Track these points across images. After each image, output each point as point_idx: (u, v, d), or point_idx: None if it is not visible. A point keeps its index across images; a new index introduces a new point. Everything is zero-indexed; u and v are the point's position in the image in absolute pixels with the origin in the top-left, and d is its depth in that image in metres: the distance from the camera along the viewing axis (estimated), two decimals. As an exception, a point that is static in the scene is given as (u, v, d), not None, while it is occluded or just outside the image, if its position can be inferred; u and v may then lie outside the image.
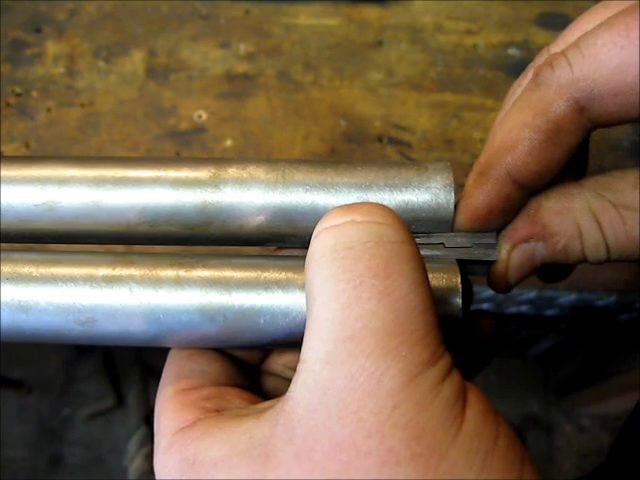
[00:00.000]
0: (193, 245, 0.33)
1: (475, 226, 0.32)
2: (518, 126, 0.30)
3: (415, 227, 0.32)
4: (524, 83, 0.33)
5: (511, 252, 0.32)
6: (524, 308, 0.56)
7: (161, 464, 0.27)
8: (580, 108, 0.29)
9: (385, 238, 0.24)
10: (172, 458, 0.26)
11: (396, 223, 0.25)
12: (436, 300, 0.29)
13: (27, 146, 0.56)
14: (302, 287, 0.29)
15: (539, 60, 0.33)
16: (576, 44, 0.29)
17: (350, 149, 0.56)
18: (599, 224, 0.30)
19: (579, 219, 0.31)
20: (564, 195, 0.31)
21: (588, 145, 0.34)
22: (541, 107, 0.29)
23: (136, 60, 0.60)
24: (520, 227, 0.32)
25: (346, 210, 0.25)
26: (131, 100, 0.58)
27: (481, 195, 0.31)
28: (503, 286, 0.33)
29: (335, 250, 0.24)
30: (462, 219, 0.32)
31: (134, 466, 1.01)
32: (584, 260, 0.32)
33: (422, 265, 0.25)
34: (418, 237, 0.32)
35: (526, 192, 0.31)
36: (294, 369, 0.25)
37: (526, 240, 0.32)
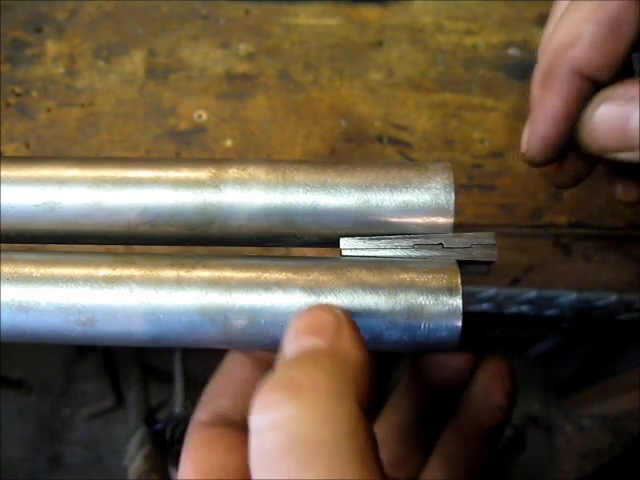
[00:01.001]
0: (193, 245, 0.33)
1: (555, 137, 0.31)
2: (577, 21, 0.30)
3: (415, 227, 0.32)
4: None
5: (603, 106, 0.30)
6: (524, 308, 0.56)
7: None
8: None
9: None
10: None
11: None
12: (435, 301, 0.29)
13: (27, 146, 0.57)
14: (302, 287, 0.29)
15: None
16: None
17: (350, 149, 0.56)
18: None
19: None
20: None
21: None
22: (599, 2, 0.29)
23: (136, 60, 0.60)
24: (626, 87, 0.30)
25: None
26: (131, 100, 0.58)
27: (555, 96, 0.30)
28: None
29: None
30: (539, 130, 0.30)
31: (134, 466, 1.01)
32: None
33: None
34: (417, 237, 0.32)
35: (597, 86, 0.31)
36: None
37: (628, 100, 0.29)
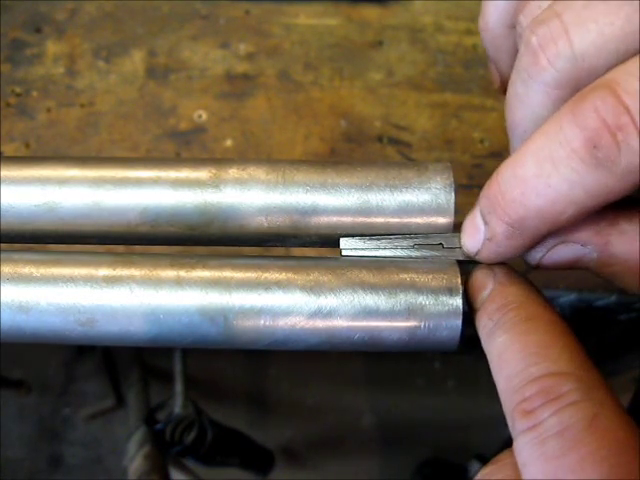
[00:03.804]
0: (193, 245, 0.33)
1: (507, 258, 0.31)
2: (564, 201, 0.26)
3: (415, 227, 0.32)
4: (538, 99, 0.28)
5: (557, 246, 0.29)
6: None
7: None
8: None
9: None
10: None
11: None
12: (435, 301, 0.29)
13: (27, 146, 0.57)
14: (302, 287, 0.29)
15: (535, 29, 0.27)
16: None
17: (350, 149, 0.56)
18: None
19: None
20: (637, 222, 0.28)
21: None
22: (599, 190, 0.25)
23: (136, 60, 0.60)
24: (584, 230, 0.29)
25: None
26: (131, 100, 0.58)
27: (518, 244, 0.29)
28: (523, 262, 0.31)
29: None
30: (491, 255, 0.30)
31: (134, 466, 1.01)
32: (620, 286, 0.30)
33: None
34: (417, 237, 0.32)
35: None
36: None
37: (583, 244, 0.29)
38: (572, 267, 0.30)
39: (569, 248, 0.29)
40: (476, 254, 0.31)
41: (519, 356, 0.26)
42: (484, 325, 0.29)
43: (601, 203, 0.26)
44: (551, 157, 0.25)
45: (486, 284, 0.30)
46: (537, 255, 0.30)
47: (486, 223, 0.30)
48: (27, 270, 0.30)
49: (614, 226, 0.28)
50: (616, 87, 0.23)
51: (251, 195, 0.31)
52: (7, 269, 0.30)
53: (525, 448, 0.24)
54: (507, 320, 0.28)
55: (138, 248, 0.34)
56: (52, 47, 0.60)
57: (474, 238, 0.31)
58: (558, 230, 0.29)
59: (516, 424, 0.25)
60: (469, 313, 0.31)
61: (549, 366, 0.25)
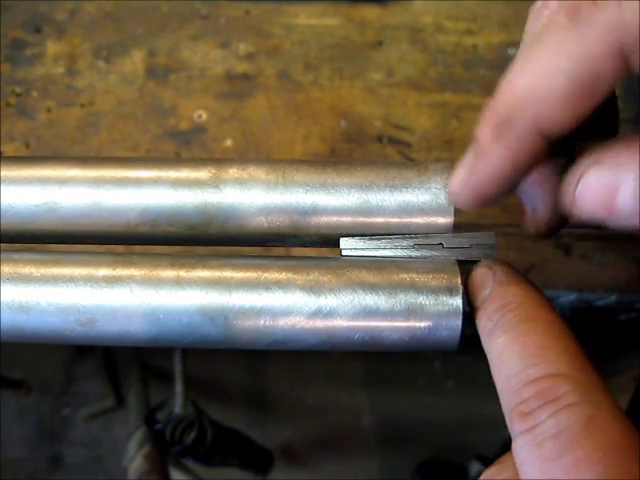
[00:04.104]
0: (193, 245, 0.33)
1: (493, 191, 0.28)
2: (550, 72, 0.25)
3: (415, 227, 0.32)
4: (544, 16, 0.27)
5: (590, 169, 0.25)
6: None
7: None
8: (624, 57, 0.25)
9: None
10: None
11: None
12: (435, 301, 0.29)
13: (27, 146, 0.56)
14: (302, 287, 0.29)
15: None
16: None
17: (350, 149, 0.56)
18: None
19: None
20: None
21: (616, 98, 0.30)
22: (580, 51, 0.25)
23: (136, 60, 0.60)
24: (619, 147, 0.25)
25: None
26: (131, 100, 0.58)
27: (505, 152, 0.27)
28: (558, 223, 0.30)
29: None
30: (476, 183, 0.28)
31: (134, 466, 1.01)
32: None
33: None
34: (417, 237, 0.32)
35: (549, 147, 0.27)
36: None
37: (618, 166, 0.25)
38: (609, 214, 0.26)
39: (604, 174, 0.25)
40: (461, 185, 0.29)
41: (518, 357, 0.26)
42: (484, 325, 0.29)
43: (587, 73, 0.25)
44: (533, 34, 0.26)
45: (485, 283, 0.30)
46: (570, 187, 0.26)
47: (475, 139, 0.28)
48: (27, 270, 0.30)
49: None
50: None
51: (251, 195, 0.31)
52: (7, 269, 0.30)
53: (523, 449, 0.25)
54: (506, 321, 0.28)
55: (138, 248, 0.34)
56: (52, 47, 0.60)
57: (461, 168, 0.29)
58: (553, 124, 0.26)
59: (514, 425, 0.25)
60: (469, 312, 0.31)
61: (547, 368, 0.25)
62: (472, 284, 0.31)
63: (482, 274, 0.30)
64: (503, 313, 0.28)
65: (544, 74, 0.26)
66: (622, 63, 0.25)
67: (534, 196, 0.31)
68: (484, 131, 0.27)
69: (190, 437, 1.01)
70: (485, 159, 0.28)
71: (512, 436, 0.26)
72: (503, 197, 0.29)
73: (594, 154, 0.26)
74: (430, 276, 0.30)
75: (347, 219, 0.31)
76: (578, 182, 0.26)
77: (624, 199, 0.25)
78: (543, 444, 0.24)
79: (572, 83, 0.25)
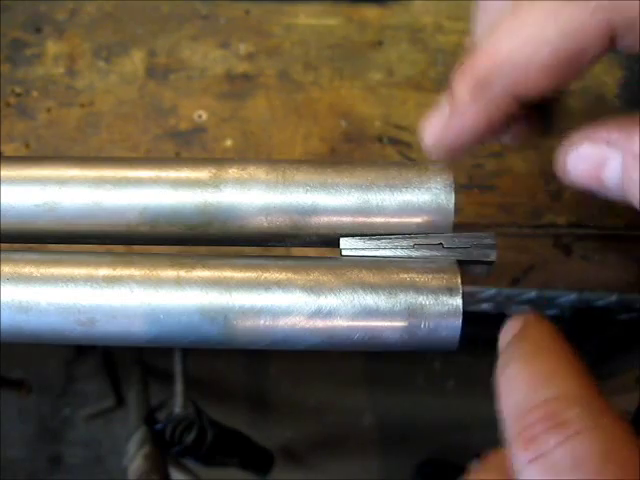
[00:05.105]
0: (193, 245, 0.33)
1: (465, 145, 0.28)
2: (537, 41, 0.25)
3: (415, 227, 0.32)
4: None
5: (583, 143, 0.27)
6: (524, 308, 0.56)
7: None
8: (612, 36, 0.25)
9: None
10: None
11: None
12: (435, 301, 0.29)
13: (27, 146, 0.57)
14: (302, 287, 0.29)
15: None
16: None
17: (350, 149, 0.56)
18: None
19: None
20: None
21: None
22: (571, 25, 0.25)
23: (136, 60, 0.60)
24: (609, 128, 0.26)
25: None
26: (131, 100, 0.58)
27: (480, 110, 0.27)
28: None
29: None
30: (449, 137, 0.28)
31: (134, 466, 1.01)
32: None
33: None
34: (417, 237, 0.32)
35: (521, 110, 0.28)
36: None
37: (608, 143, 0.26)
38: (596, 185, 0.27)
39: (594, 148, 0.27)
40: (436, 139, 0.29)
41: (525, 383, 0.26)
42: (499, 361, 0.28)
43: (573, 47, 0.25)
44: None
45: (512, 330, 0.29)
46: (562, 155, 0.28)
47: (451, 94, 0.28)
48: (27, 270, 0.30)
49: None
50: None
51: (251, 195, 0.31)
52: (7, 269, 0.30)
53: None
54: (515, 350, 0.28)
55: (138, 248, 0.34)
56: (52, 47, 0.60)
57: (435, 121, 0.29)
58: (529, 89, 0.26)
59: (520, 454, 0.23)
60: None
61: (553, 390, 0.24)
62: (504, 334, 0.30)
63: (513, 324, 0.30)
64: (514, 344, 0.28)
65: (530, 42, 0.25)
66: (608, 42, 0.25)
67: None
68: (461, 89, 0.28)
69: (190, 437, 1.01)
70: (461, 117, 0.28)
71: (516, 467, 0.23)
72: (473, 147, 0.30)
73: (587, 129, 0.27)
74: (430, 276, 0.30)
75: (347, 219, 0.31)
76: (570, 151, 0.27)
77: (610, 174, 0.26)
78: (558, 471, 0.22)
79: (556, 55, 0.25)
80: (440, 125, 0.29)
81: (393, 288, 0.29)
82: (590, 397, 0.24)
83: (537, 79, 0.26)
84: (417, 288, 0.29)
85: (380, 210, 0.31)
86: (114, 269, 0.30)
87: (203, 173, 0.31)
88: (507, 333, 0.29)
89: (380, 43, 0.60)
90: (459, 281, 0.30)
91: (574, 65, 0.26)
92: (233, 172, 0.32)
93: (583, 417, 0.23)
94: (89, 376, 1.47)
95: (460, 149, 0.30)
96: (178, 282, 0.30)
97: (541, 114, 0.32)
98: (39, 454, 1.44)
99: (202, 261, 0.30)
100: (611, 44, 0.25)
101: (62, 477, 1.43)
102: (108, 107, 0.58)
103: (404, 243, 0.32)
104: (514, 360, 0.27)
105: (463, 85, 0.28)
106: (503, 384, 0.27)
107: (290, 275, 0.30)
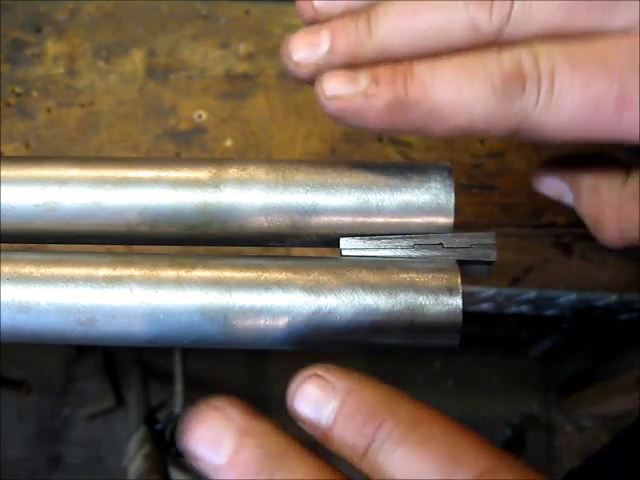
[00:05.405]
0: (193, 245, 0.33)
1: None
2: (462, 108, 0.29)
3: (415, 227, 0.32)
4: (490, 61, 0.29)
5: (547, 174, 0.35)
6: (524, 308, 0.56)
7: None
8: (516, 134, 0.30)
9: None
10: None
11: None
12: (435, 301, 0.29)
13: (27, 146, 0.56)
14: (302, 287, 0.29)
15: None
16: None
17: (350, 149, 0.56)
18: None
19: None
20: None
21: None
22: (493, 116, 0.29)
23: (136, 60, 0.60)
24: (563, 169, 0.34)
25: None
26: (131, 100, 0.58)
27: (387, 120, 0.30)
28: None
29: None
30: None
31: (134, 466, 1.01)
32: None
33: None
34: (417, 237, 0.32)
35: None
36: None
37: (561, 179, 0.35)
38: (561, 199, 0.35)
39: (554, 178, 0.35)
40: (340, 106, 0.30)
41: (432, 468, 0.23)
42: (352, 446, 0.25)
43: (487, 128, 0.29)
44: (472, 72, 0.28)
45: (324, 402, 0.25)
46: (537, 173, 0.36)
47: (376, 81, 0.29)
48: (27, 270, 0.30)
49: (583, 175, 0.34)
50: (537, 48, 0.29)
51: (251, 195, 0.31)
52: (7, 269, 0.30)
53: None
54: (391, 432, 0.24)
55: (138, 248, 0.34)
56: (52, 47, 0.60)
57: (347, 86, 0.30)
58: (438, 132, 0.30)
59: None
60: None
61: (473, 467, 0.22)
62: (301, 404, 0.26)
63: (317, 388, 0.26)
64: (376, 428, 0.24)
65: (457, 107, 0.29)
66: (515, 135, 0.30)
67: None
68: (387, 91, 0.29)
69: (190, 437, 1.00)
70: (365, 104, 0.29)
71: None
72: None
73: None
74: (430, 276, 0.30)
75: (347, 219, 0.31)
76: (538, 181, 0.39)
77: (569, 200, 0.38)
78: None
79: (470, 127, 0.29)
80: (352, 102, 0.30)
81: (393, 288, 0.29)
82: (507, 460, 0.23)
83: (441, 133, 0.30)
84: (417, 288, 0.29)
85: (380, 210, 0.31)
86: (114, 269, 0.30)
87: (203, 173, 0.31)
88: (320, 408, 0.25)
89: (380, 43, 0.60)
90: (459, 281, 0.30)
91: (484, 131, 0.30)
92: (233, 172, 0.32)
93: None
94: (89, 376, 1.47)
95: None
96: (178, 282, 0.30)
97: None
98: (39, 454, 1.44)
99: (202, 261, 0.30)
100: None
101: (62, 477, 1.43)
102: (108, 107, 0.58)
103: (404, 243, 0.32)
104: (396, 445, 0.23)
105: (390, 87, 0.29)
106: (399, 474, 0.23)
107: (290, 275, 0.30)
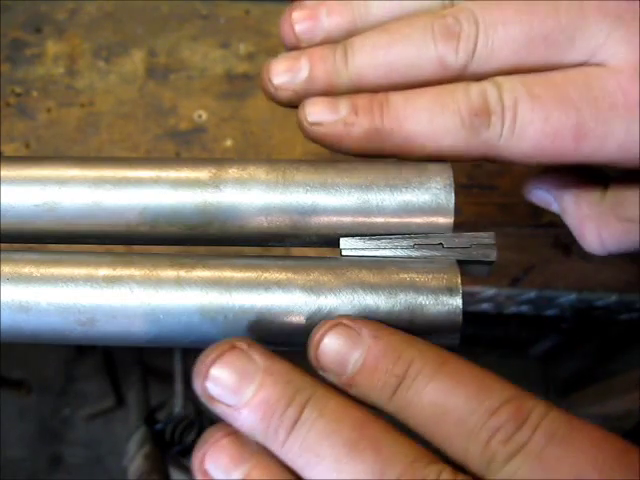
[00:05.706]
0: (193, 245, 0.33)
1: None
2: (432, 137, 0.31)
3: (415, 227, 0.32)
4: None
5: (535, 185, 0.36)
6: (524, 308, 0.56)
7: None
8: (484, 160, 0.32)
9: None
10: None
11: None
12: (435, 301, 0.29)
13: (27, 146, 0.57)
14: (302, 287, 0.29)
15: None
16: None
17: (350, 149, 0.56)
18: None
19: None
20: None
21: None
22: (462, 145, 0.31)
23: (136, 60, 0.60)
24: (550, 181, 0.36)
25: None
26: (131, 100, 0.58)
27: (366, 145, 0.32)
28: None
29: None
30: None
31: (134, 466, 1.01)
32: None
33: None
34: (417, 237, 0.32)
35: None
36: None
37: (547, 191, 0.36)
38: (549, 208, 0.37)
39: (541, 190, 0.37)
40: (323, 132, 0.32)
41: (462, 399, 0.25)
42: (381, 388, 0.26)
43: (457, 156, 0.32)
44: (443, 105, 0.31)
45: (352, 349, 0.27)
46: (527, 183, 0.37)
47: (355, 111, 0.31)
48: (27, 270, 0.30)
49: (565, 189, 0.35)
50: (501, 83, 0.30)
51: (251, 195, 0.31)
52: (7, 269, 0.30)
53: (520, 470, 0.23)
54: (419, 372, 0.25)
55: (138, 248, 0.34)
56: (52, 47, 0.60)
57: (330, 115, 0.32)
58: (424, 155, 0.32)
59: (497, 456, 0.23)
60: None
61: (500, 395, 0.24)
62: (327, 356, 0.27)
63: (340, 338, 0.27)
64: (407, 367, 0.26)
65: (429, 136, 0.31)
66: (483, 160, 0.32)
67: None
68: (366, 121, 0.31)
69: (190, 437, 1.01)
70: (349, 139, 0.32)
71: (491, 469, 0.24)
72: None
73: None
74: (430, 276, 0.30)
75: (347, 219, 0.31)
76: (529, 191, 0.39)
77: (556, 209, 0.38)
78: (543, 452, 0.23)
79: (440, 153, 0.32)
80: (333, 125, 0.32)
81: (393, 288, 0.29)
82: (526, 393, 0.25)
83: (418, 156, 0.32)
84: (417, 288, 0.29)
85: (380, 210, 0.31)
86: (114, 269, 0.30)
87: (203, 173, 0.31)
88: (347, 357, 0.27)
89: (380, 43, 0.60)
90: (459, 281, 0.30)
91: (454, 158, 0.32)
92: (233, 172, 0.31)
93: (540, 406, 0.24)
94: (89, 376, 1.47)
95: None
96: (178, 282, 0.30)
97: None
98: (39, 454, 1.44)
99: (202, 261, 0.30)
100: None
101: (62, 477, 1.43)
102: (108, 107, 0.58)
103: (404, 243, 0.32)
104: (426, 383, 0.25)
105: (369, 118, 0.31)
106: (429, 409, 0.25)
107: (290, 275, 0.30)
